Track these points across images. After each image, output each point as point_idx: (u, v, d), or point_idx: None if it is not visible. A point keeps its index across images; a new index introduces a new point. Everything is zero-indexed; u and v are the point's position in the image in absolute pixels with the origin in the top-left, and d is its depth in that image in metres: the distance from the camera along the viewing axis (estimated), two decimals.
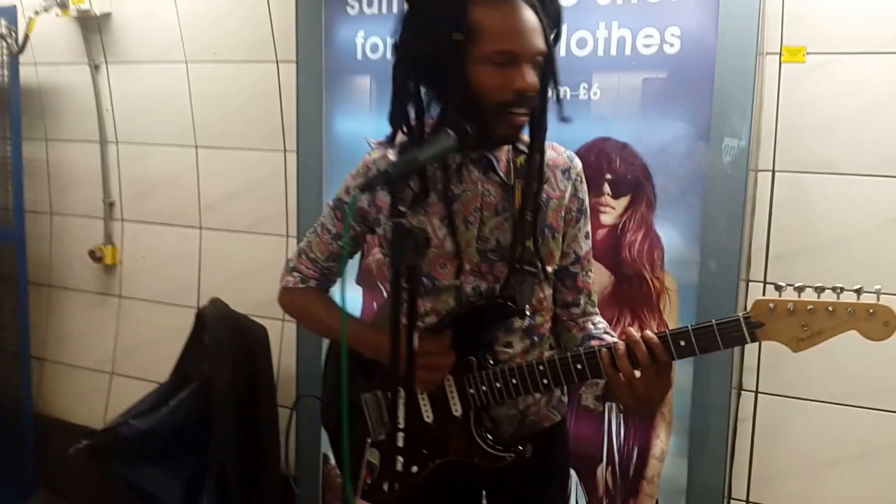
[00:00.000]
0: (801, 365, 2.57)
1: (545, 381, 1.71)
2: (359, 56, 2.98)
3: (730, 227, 2.50)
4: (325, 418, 2.09)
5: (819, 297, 1.50)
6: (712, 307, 2.51)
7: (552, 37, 1.67)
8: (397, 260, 1.34)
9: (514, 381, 1.72)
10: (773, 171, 2.59)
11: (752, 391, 2.68)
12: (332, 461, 3.17)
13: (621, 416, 2.68)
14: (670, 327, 2.55)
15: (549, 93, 1.68)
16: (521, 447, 1.76)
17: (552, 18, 1.66)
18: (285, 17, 3.25)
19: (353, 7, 2.97)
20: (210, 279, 3.67)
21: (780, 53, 2.53)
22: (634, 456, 2.69)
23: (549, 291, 1.84)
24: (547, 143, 1.75)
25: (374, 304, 3.05)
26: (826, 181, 2.53)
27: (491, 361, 1.78)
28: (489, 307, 1.77)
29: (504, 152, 1.77)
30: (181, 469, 2.94)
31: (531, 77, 1.60)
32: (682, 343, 1.57)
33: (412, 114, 1.69)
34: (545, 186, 1.76)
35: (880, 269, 2.48)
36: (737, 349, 2.58)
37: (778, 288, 1.50)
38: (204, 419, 2.97)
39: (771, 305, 1.52)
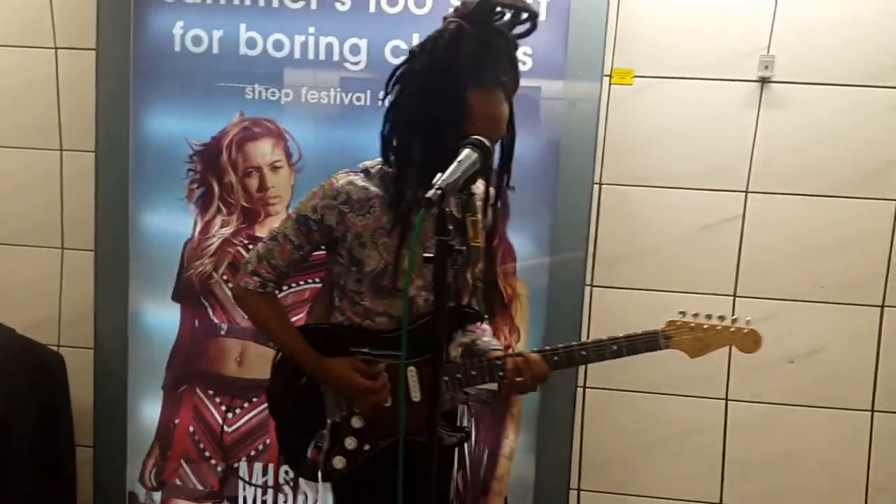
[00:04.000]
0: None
1: (500, 374, 1.99)
2: (177, 48, 2.68)
3: (576, 236, 2.67)
4: (278, 408, 2.16)
5: (711, 321, 2.03)
6: (561, 311, 2.68)
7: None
8: (441, 275, 1.51)
9: (473, 372, 1.99)
10: (600, 184, 2.82)
11: (580, 386, 2.90)
12: (142, 498, 2.86)
13: (472, 420, 2.76)
14: (521, 332, 2.72)
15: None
16: (465, 429, 2.12)
17: (514, 92, 1.93)
18: None
19: None
20: None
21: (610, 76, 2.75)
22: (485, 457, 2.77)
23: None
24: None
25: (196, 321, 2.79)
26: (645, 193, 2.82)
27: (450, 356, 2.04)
28: (458, 312, 2.05)
29: None
30: None
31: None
32: (615, 348, 2.00)
33: (401, 153, 1.92)
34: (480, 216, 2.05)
35: (692, 271, 2.84)
36: None
37: (681, 313, 2.02)
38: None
39: (678, 323, 2.02)
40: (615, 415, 2.92)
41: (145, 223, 2.79)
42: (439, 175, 1.52)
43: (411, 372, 1.97)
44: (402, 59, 1.96)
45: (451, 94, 1.82)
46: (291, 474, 2.81)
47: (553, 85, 2.61)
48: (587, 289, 2.84)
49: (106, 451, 2.86)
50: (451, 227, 1.51)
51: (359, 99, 2.67)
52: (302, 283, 2.74)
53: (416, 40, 2.63)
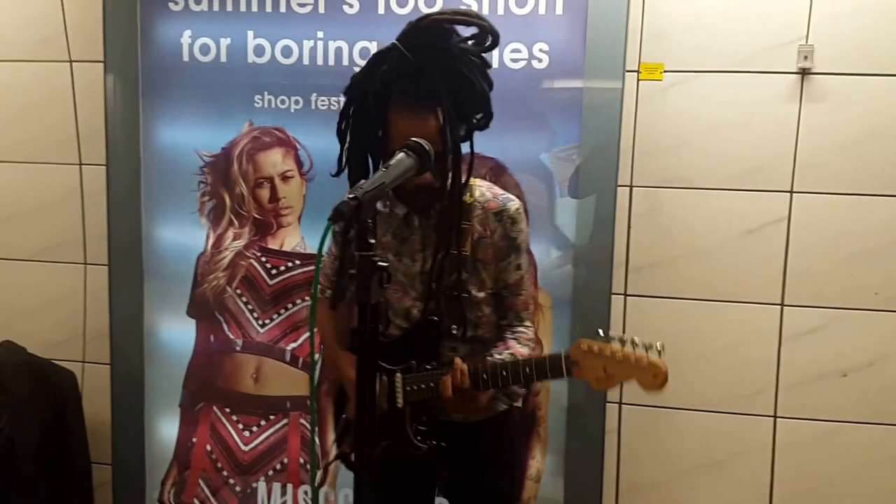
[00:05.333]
0: None
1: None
2: (185, 58, 2.64)
3: (601, 243, 2.52)
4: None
5: (623, 347, 1.79)
6: (585, 322, 2.52)
7: (475, 121, 1.97)
8: (365, 295, 1.38)
9: (422, 385, 1.99)
10: (631, 186, 2.64)
11: (615, 402, 2.72)
12: None
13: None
14: (545, 343, 2.56)
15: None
16: (437, 443, 2.02)
17: (471, 107, 1.94)
18: (82, 9, 2.83)
19: (176, 3, 2.62)
20: None
21: (638, 71, 2.58)
22: None
23: (487, 310, 2.08)
24: (487, 186, 2.07)
25: (211, 337, 2.73)
26: (681, 195, 2.63)
27: (427, 366, 2.01)
28: (426, 324, 2.03)
29: None
30: None
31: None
32: (527, 370, 1.91)
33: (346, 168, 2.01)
34: (477, 226, 2.03)
35: (735, 279, 2.63)
36: None
37: (599, 332, 1.83)
38: (6, 485, 2.48)
39: (584, 347, 1.83)
40: (656, 434, 2.73)
41: (158, 238, 2.75)
42: (361, 182, 1.43)
43: (397, 379, 2.00)
44: None
45: (372, 114, 1.92)
46: (310, 494, 2.74)
47: (572, 84, 2.46)
48: (621, 298, 2.68)
49: (124, 470, 2.84)
50: (372, 242, 1.40)
51: None
52: None
53: None
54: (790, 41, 2.51)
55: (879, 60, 2.49)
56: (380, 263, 1.37)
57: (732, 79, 2.55)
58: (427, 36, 1.86)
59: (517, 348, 2.05)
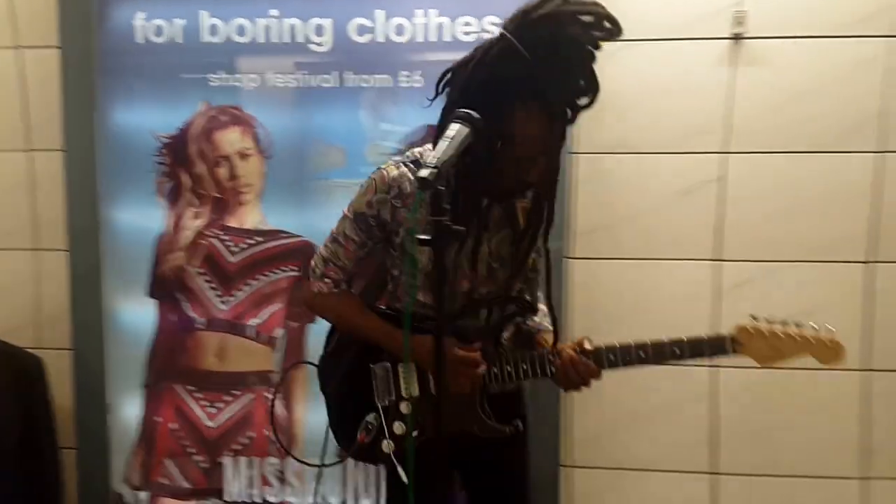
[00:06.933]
0: (606, 330, 2.77)
1: (552, 370, 1.93)
2: (139, 40, 2.66)
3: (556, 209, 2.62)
4: (327, 385, 2.13)
5: (787, 326, 1.88)
6: None
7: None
8: (442, 258, 1.46)
9: (524, 366, 1.94)
10: (576, 154, 2.76)
11: None
12: (128, 498, 2.82)
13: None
14: None
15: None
16: (516, 424, 1.97)
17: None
18: None
19: None
20: None
21: None
22: None
23: None
24: None
25: (172, 317, 2.75)
26: (622, 160, 2.75)
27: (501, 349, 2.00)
28: (511, 301, 1.99)
29: None
30: None
31: (538, 172, 1.84)
32: (677, 351, 1.90)
33: None
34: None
35: (674, 237, 2.76)
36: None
37: (753, 317, 1.89)
38: None
39: (751, 330, 1.87)
40: (603, 387, 2.80)
41: (116, 220, 2.76)
42: (432, 152, 1.47)
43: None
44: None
45: (493, 116, 1.67)
46: (279, 466, 2.79)
47: None
48: (565, 261, 2.80)
49: (89, 453, 2.84)
50: (448, 206, 1.46)
51: (326, 81, 2.64)
52: (277, 271, 2.72)
53: (379, 17, 2.60)
54: (724, 7, 2.65)
55: (809, 23, 2.65)
56: (454, 227, 1.44)
57: (668, 46, 2.69)
58: (553, 30, 1.73)
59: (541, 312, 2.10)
